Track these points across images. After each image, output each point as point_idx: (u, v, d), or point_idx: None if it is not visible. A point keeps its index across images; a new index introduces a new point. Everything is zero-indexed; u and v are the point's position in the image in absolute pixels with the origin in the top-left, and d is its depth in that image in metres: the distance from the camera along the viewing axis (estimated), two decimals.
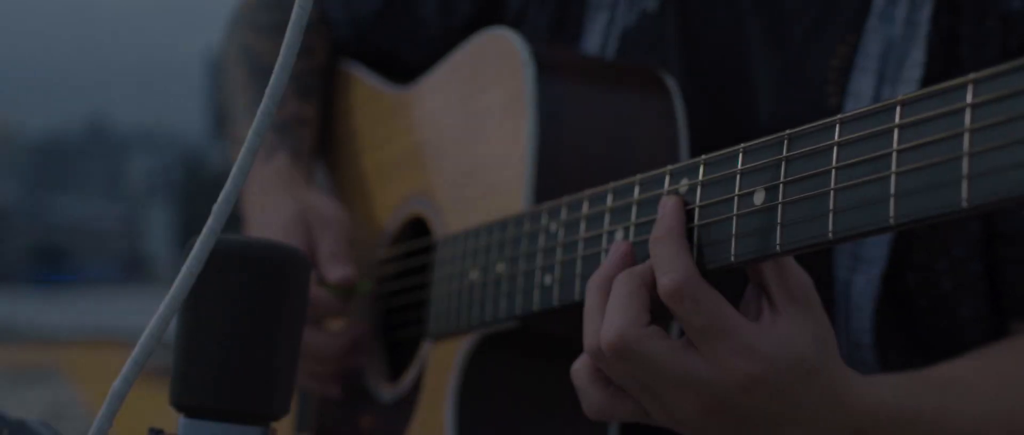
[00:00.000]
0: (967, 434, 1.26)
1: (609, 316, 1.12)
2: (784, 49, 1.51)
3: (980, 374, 1.33)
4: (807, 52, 1.49)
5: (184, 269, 0.99)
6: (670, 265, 1.10)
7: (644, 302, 1.12)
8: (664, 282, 1.10)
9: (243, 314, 1.03)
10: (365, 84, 1.91)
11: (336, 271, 1.62)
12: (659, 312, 1.13)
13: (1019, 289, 1.41)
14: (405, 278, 1.69)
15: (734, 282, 1.14)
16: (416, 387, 1.57)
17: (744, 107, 1.52)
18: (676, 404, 1.13)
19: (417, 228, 1.69)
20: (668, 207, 1.13)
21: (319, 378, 1.70)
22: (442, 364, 1.49)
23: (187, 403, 1.03)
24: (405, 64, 1.86)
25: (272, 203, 1.70)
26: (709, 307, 1.09)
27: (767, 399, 1.11)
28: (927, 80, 1.42)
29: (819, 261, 1.44)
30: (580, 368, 1.20)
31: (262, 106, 0.99)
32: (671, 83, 1.51)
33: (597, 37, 1.65)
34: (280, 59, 0.99)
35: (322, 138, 1.93)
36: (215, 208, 1.00)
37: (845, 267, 1.44)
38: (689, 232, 1.11)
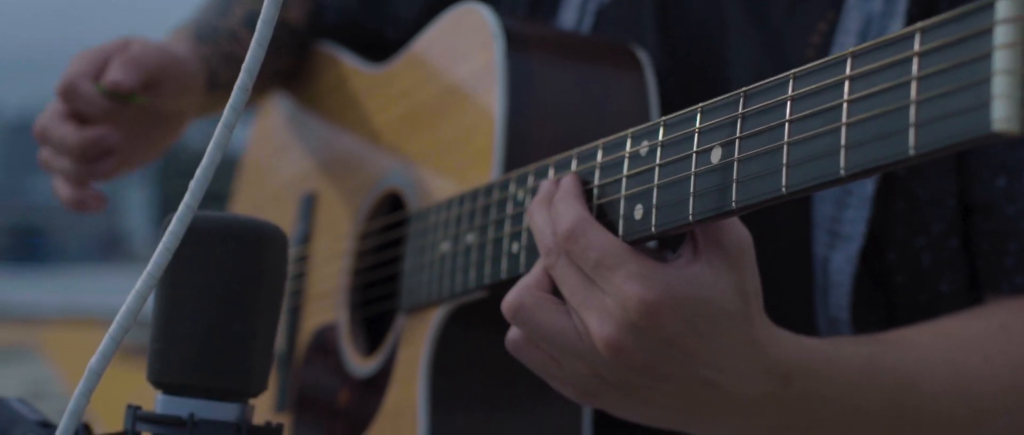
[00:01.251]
0: (902, 381, 1.25)
1: (517, 286, 1.18)
2: (763, 27, 1.50)
3: (923, 332, 1.33)
4: (786, 30, 1.49)
5: (160, 245, 0.99)
6: (565, 212, 1.14)
7: (540, 270, 1.17)
8: (561, 226, 1.14)
9: (220, 290, 1.02)
10: (345, 64, 1.92)
11: (113, 73, 1.61)
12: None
13: (993, 261, 1.41)
14: (381, 252, 1.70)
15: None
16: (390, 361, 1.57)
17: (721, 85, 1.51)
18: (581, 357, 1.15)
19: (395, 203, 1.70)
20: (564, 180, 1.19)
21: (61, 174, 1.69)
22: (415, 338, 1.50)
23: (165, 380, 1.03)
24: (394, 46, 1.87)
25: None
26: (600, 242, 1.11)
27: (672, 330, 1.10)
28: None
29: (797, 238, 1.45)
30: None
31: (239, 82, 1.00)
32: (644, 58, 1.51)
33: (573, 12, 1.65)
34: (251, 46, 1.00)
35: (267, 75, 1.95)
36: (192, 184, 1.00)
37: (823, 244, 1.44)
38: (649, 192, 1.12)
